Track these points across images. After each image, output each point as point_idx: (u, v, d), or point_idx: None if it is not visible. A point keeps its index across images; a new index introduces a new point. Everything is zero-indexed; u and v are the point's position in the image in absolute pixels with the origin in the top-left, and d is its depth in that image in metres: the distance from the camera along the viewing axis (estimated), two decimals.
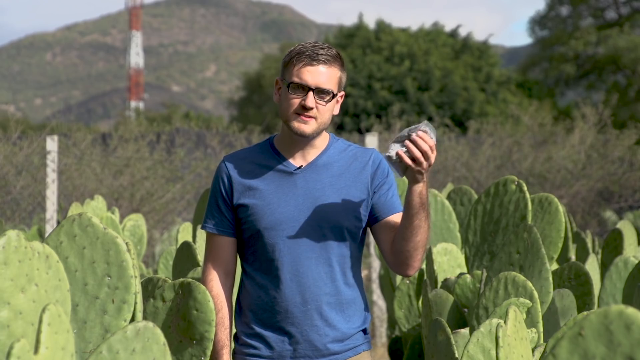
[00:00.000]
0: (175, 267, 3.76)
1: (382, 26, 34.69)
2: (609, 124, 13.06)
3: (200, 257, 3.73)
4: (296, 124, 2.62)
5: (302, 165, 2.70)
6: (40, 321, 1.83)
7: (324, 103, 2.63)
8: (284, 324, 2.66)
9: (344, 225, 2.67)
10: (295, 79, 2.62)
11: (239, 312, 2.74)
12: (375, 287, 8.45)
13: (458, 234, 4.38)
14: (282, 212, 2.65)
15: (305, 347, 2.66)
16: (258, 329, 2.68)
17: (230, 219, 2.71)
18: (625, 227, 4.98)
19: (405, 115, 27.34)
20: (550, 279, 3.28)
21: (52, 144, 8.54)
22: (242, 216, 2.69)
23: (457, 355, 3.00)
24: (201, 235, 4.12)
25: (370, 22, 36.21)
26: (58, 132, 10.72)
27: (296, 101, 2.62)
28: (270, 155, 2.72)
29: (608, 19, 32.28)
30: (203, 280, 2.73)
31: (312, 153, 2.71)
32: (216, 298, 2.70)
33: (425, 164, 2.55)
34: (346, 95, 35.01)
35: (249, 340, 2.70)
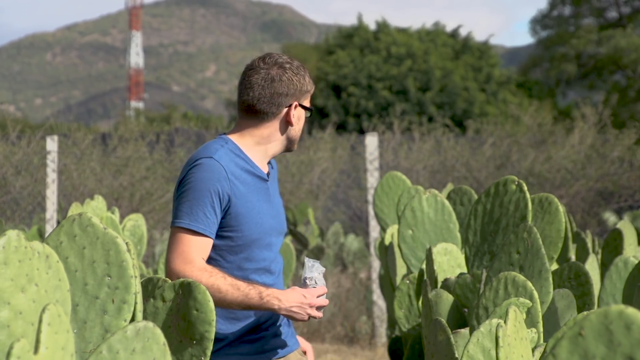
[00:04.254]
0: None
1: (381, 27, 34.69)
2: (609, 124, 13.06)
3: None
4: (296, 145, 2.84)
5: (268, 173, 2.82)
6: (40, 321, 1.83)
7: None
8: (267, 324, 2.78)
9: (284, 230, 2.85)
10: (311, 106, 2.85)
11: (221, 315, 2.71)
12: (375, 287, 8.46)
13: (458, 234, 4.38)
14: (267, 221, 2.73)
15: (278, 342, 2.80)
16: (253, 331, 2.73)
17: (218, 222, 2.67)
18: (625, 227, 4.98)
19: (406, 115, 27.36)
20: (550, 279, 3.28)
21: (52, 144, 8.54)
22: (234, 224, 2.67)
23: (457, 355, 3.01)
24: None
25: (371, 22, 36.21)
26: (58, 132, 10.72)
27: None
28: (246, 160, 2.74)
29: (609, 19, 32.28)
30: (199, 267, 2.61)
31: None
32: (215, 270, 2.65)
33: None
34: (348, 95, 34.98)
35: (238, 342, 2.73)
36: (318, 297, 2.68)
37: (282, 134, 2.77)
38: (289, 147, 2.82)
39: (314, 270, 2.70)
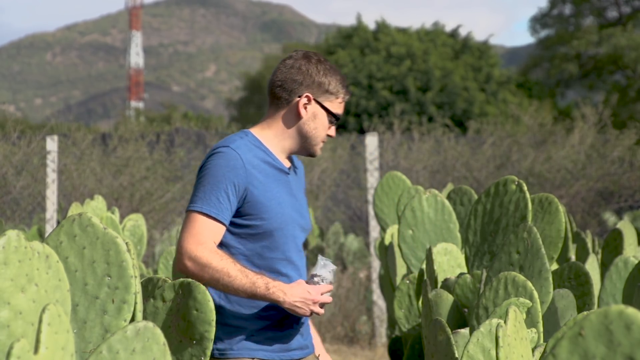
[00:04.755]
0: (175, 267, 3.76)
1: (381, 27, 34.69)
2: (609, 124, 13.06)
3: None
4: (319, 150, 2.83)
5: (290, 167, 2.83)
6: (40, 321, 1.83)
7: None
8: (292, 321, 2.77)
9: (308, 228, 2.86)
10: (338, 112, 2.81)
11: (228, 308, 2.70)
12: (375, 287, 8.46)
13: (458, 234, 4.38)
14: (289, 212, 2.75)
15: (301, 341, 2.80)
16: (277, 327, 2.73)
17: (233, 210, 2.69)
18: (625, 227, 4.98)
19: (406, 115, 27.35)
20: (550, 279, 3.28)
21: (52, 144, 8.54)
22: (253, 212, 2.69)
23: (457, 355, 3.01)
24: None
25: (370, 23, 36.22)
26: (58, 132, 10.72)
27: (327, 129, 2.82)
28: (266, 152, 2.77)
29: (609, 18, 32.28)
30: (210, 249, 2.62)
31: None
32: (225, 254, 2.65)
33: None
34: None
35: (264, 337, 2.72)
36: (322, 294, 2.70)
37: (293, 126, 2.77)
38: (305, 147, 2.81)
39: (325, 268, 2.74)
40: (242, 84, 41.50)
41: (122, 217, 9.07)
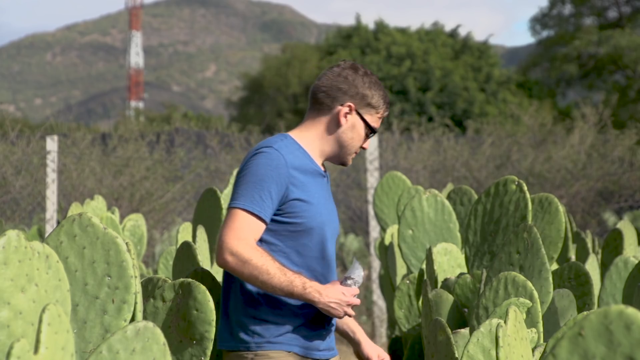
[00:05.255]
0: (175, 267, 3.76)
1: (380, 26, 34.69)
2: (609, 124, 13.06)
3: (201, 257, 3.73)
4: (350, 160, 2.90)
5: (325, 171, 2.92)
6: (40, 321, 1.83)
7: None
8: (325, 322, 2.84)
9: (337, 234, 2.94)
10: (375, 126, 2.88)
11: (265, 304, 2.73)
12: (375, 287, 8.46)
13: (458, 234, 4.38)
14: (325, 213, 2.83)
15: (329, 343, 2.90)
16: (304, 325, 2.77)
17: (274, 208, 2.73)
18: (625, 227, 4.98)
19: (406, 115, 27.35)
20: (550, 279, 3.28)
21: (52, 143, 8.54)
22: (294, 210, 2.74)
23: (457, 355, 3.01)
24: (201, 235, 4.11)
25: (369, 23, 36.20)
26: (58, 132, 10.71)
27: (362, 141, 2.88)
28: (304, 155, 2.83)
29: (609, 19, 32.27)
30: (251, 245, 2.65)
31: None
32: (265, 251, 2.69)
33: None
34: None
35: (299, 334, 2.77)
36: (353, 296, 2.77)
37: (332, 133, 2.84)
38: (340, 155, 2.87)
39: (358, 271, 2.80)
40: (242, 84, 41.51)
41: (122, 217, 9.07)
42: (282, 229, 2.75)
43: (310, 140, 2.84)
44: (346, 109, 2.82)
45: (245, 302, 2.73)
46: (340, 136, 2.84)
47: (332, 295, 2.70)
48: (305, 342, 2.78)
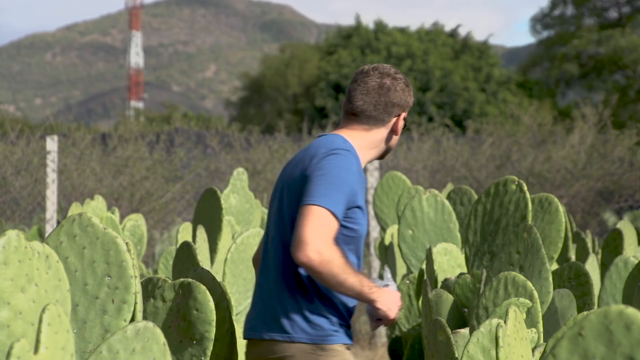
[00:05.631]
0: (175, 267, 3.76)
1: (380, 26, 34.70)
2: (609, 124, 13.06)
3: (201, 256, 3.73)
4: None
5: None
6: (40, 321, 1.83)
7: None
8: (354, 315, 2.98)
9: None
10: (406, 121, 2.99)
11: (327, 298, 2.80)
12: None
13: (458, 234, 4.38)
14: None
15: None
16: (348, 317, 2.88)
17: (344, 211, 2.78)
18: (625, 227, 4.99)
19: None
20: (550, 279, 3.28)
21: (52, 144, 8.54)
22: (354, 216, 2.79)
23: (457, 355, 3.01)
24: (201, 235, 4.11)
25: (369, 23, 36.18)
26: (58, 132, 10.72)
27: None
28: (359, 161, 2.91)
29: (609, 19, 32.28)
30: (333, 245, 2.70)
31: None
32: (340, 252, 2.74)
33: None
34: None
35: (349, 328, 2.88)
36: None
37: (386, 143, 2.94)
38: (381, 156, 2.98)
39: (391, 279, 2.93)
40: (242, 84, 41.50)
41: (122, 217, 9.07)
42: (339, 232, 2.78)
43: (360, 147, 2.90)
44: (401, 121, 2.94)
45: (314, 296, 2.78)
46: (391, 142, 2.95)
47: (392, 299, 2.79)
48: (349, 334, 2.88)
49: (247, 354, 2.86)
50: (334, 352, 2.77)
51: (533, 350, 2.96)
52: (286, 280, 2.80)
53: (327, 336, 2.77)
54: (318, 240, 2.64)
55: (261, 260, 2.90)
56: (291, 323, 2.76)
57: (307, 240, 2.64)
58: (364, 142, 2.90)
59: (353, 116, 2.91)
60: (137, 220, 5.94)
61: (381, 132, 2.91)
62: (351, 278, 2.68)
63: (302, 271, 2.76)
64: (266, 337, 2.78)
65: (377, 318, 2.83)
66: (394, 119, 2.92)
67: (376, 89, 2.89)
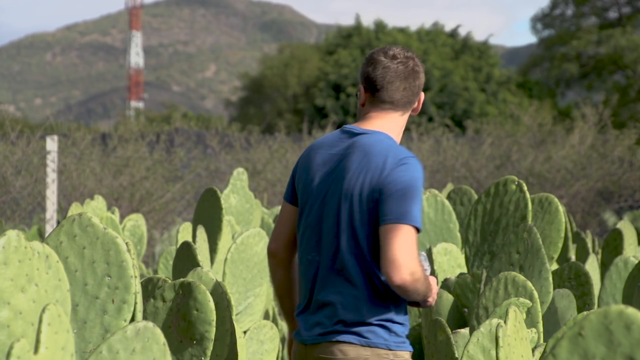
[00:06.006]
0: (175, 267, 3.76)
1: (380, 26, 34.71)
2: (609, 124, 13.06)
3: (201, 256, 3.73)
4: None
5: None
6: (40, 321, 1.83)
7: None
8: None
9: None
10: None
11: (401, 305, 2.80)
12: None
13: (458, 234, 4.38)
14: None
15: None
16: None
17: None
18: (625, 227, 4.99)
19: None
20: (550, 279, 3.28)
21: (52, 144, 8.54)
22: None
23: (457, 355, 3.01)
24: (201, 235, 4.11)
25: (369, 23, 36.22)
26: (58, 132, 10.71)
27: None
28: None
29: (609, 19, 32.28)
30: (419, 263, 2.71)
31: None
32: None
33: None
34: (347, 95, 34.82)
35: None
36: None
37: (404, 124, 2.89)
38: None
39: (426, 262, 2.86)
40: (242, 84, 41.52)
41: (122, 217, 9.07)
42: None
43: (395, 135, 2.87)
44: (422, 99, 2.91)
45: (390, 304, 2.77)
46: (402, 128, 2.90)
47: (432, 285, 2.79)
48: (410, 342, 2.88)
49: (304, 355, 2.80)
50: (403, 359, 2.78)
51: (533, 350, 2.97)
52: (364, 289, 2.76)
53: (402, 343, 2.77)
54: (410, 262, 2.63)
55: (308, 265, 2.82)
56: (369, 328, 2.74)
57: (401, 263, 2.63)
58: (397, 129, 2.86)
59: (388, 104, 2.83)
60: (137, 220, 5.94)
61: (406, 116, 2.88)
62: (425, 287, 2.70)
63: (378, 280, 2.74)
64: (341, 339, 2.75)
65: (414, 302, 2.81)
66: (418, 99, 2.90)
67: (408, 74, 2.83)
